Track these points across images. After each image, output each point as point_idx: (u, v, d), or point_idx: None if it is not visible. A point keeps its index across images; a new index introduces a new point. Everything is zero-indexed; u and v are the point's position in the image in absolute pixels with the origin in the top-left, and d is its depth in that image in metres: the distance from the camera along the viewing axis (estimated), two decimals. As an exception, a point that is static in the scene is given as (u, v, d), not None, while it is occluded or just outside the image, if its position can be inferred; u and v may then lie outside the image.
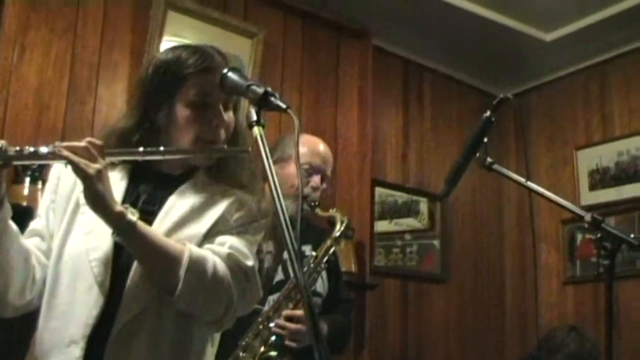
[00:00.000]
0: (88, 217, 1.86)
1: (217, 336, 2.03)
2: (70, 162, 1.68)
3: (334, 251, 3.31)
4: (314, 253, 3.26)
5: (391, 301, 5.13)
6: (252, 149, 1.95)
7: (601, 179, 5.32)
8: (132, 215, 1.74)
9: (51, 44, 3.84)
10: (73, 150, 1.69)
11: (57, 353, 1.81)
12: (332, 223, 3.39)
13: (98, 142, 1.75)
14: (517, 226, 5.87)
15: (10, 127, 3.64)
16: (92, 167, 1.68)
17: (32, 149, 1.69)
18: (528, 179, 2.40)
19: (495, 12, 5.08)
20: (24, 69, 3.74)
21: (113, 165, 1.91)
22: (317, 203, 3.30)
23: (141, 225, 1.76)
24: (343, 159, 4.81)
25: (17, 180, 3.48)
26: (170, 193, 1.96)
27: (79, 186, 1.84)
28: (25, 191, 3.42)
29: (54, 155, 1.69)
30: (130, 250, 1.81)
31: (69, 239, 1.90)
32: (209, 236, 1.91)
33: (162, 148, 1.89)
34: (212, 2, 4.42)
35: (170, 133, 1.98)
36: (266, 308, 3.06)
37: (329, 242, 3.27)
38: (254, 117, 1.67)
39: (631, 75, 5.29)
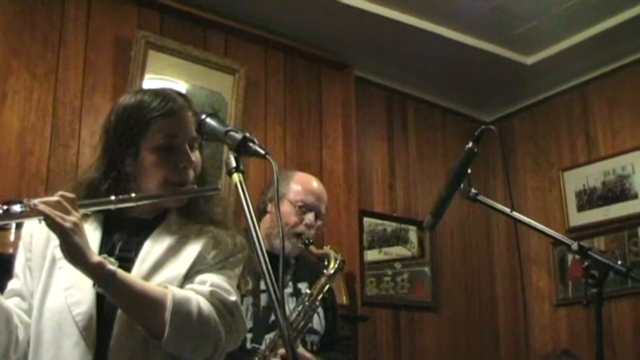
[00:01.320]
0: (66, 272, 1.84)
1: None
2: (46, 216, 1.65)
3: (329, 288, 3.31)
4: (308, 291, 3.26)
5: (383, 332, 5.10)
6: (222, 186, 2.00)
7: (588, 199, 5.32)
8: (112, 265, 1.72)
9: (32, 89, 3.84)
10: (46, 204, 1.67)
11: None
12: (325, 260, 3.39)
13: (70, 195, 1.73)
14: (507, 250, 5.87)
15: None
16: (68, 221, 1.67)
17: (5, 207, 1.67)
18: (512, 209, 2.41)
19: (475, 38, 5.11)
20: (6, 114, 3.73)
21: (85, 216, 1.88)
22: (311, 241, 3.31)
23: (122, 273, 1.74)
24: (330, 190, 4.76)
25: (2, 227, 3.45)
26: (145, 238, 1.95)
27: (53, 241, 1.83)
28: (12, 237, 3.40)
29: (29, 212, 1.67)
30: (112, 300, 1.78)
31: (48, 296, 1.88)
32: (188, 276, 1.90)
33: (133, 195, 1.87)
34: (192, 40, 4.44)
35: (139, 179, 1.97)
36: (263, 346, 3.05)
37: (323, 279, 3.27)
38: (233, 164, 1.67)
39: (613, 95, 5.32)
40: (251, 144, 1.69)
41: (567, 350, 4.18)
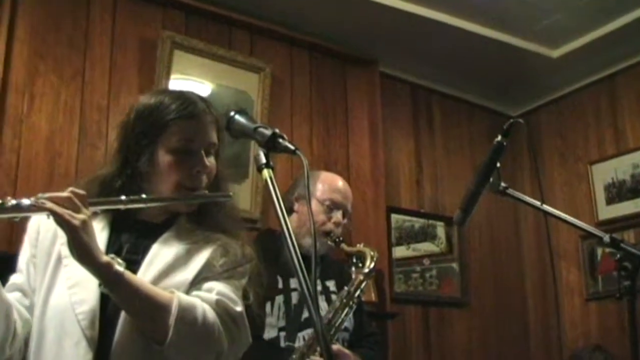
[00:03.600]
0: (71, 270, 1.83)
1: None
2: (54, 213, 1.64)
3: (366, 285, 3.33)
4: (340, 289, 3.28)
5: (413, 328, 5.09)
6: (233, 194, 1.98)
7: (618, 192, 5.27)
8: (119, 266, 1.71)
9: (60, 90, 3.87)
10: (56, 201, 1.66)
11: None
12: (354, 258, 3.40)
13: (81, 191, 1.72)
14: (536, 245, 5.83)
15: (23, 176, 3.65)
16: (77, 218, 1.65)
17: (14, 202, 1.65)
18: (543, 202, 2.38)
19: (500, 32, 5.08)
20: (34, 117, 3.76)
21: (94, 214, 1.85)
22: (341, 239, 3.34)
23: (129, 275, 1.73)
24: (357, 188, 4.80)
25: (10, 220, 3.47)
26: (153, 241, 1.94)
27: (60, 238, 1.83)
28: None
29: (37, 207, 1.65)
30: (117, 301, 1.77)
31: (52, 294, 1.86)
32: (195, 283, 1.89)
33: (144, 196, 1.86)
34: (217, 39, 4.45)
35: (152, 179, 1.97)
36: (297, 345, 3.07)
37: (361, 277, 3.28)
38: (263, 160, 1.67)
39: (641, 87, 5.27)
40: (281, 140, 1.69)
41: (600, 345, 4.14)
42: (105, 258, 1.69)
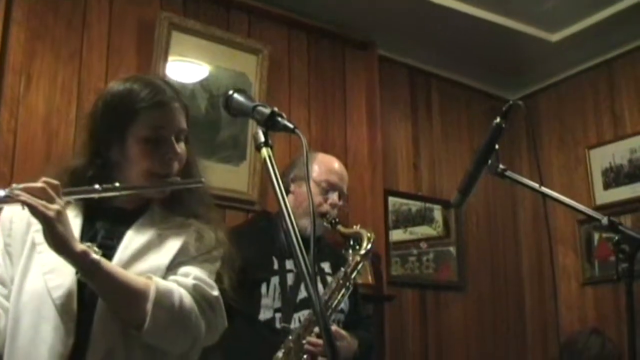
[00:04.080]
0: (46, 256, 1.84)
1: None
2: (28, 205, 1.64)
3: (363, 266, 3.33)
4: (331, 270, 3.27)
5: (410, 311, 5.10)
6: (205, 180, 2.01)
7: (615, 177, 5.27)
8: (96, 254, 1.72)
9: (57, 71, 3.85)
10: (30, 191, 1.66)
11: None
12: (352, 240, 3.39)
13: (54, 182, 1.72)
14: (533, 229, 5.84)
15: (20, 156, 3.64)
16: (51, 209, 1.66)
17: None
18: (541, 184, 2.38)
19: (499, 15, 5.05)
20: (31, 97, 3.75)
21: (67, 203, 1.86)
22: (337, 220, 3.33)
23: (105, 263, 1.74)
24: (354, 170, 4.79)
25: None
26: (127, 227, 1.95)
27: (34, 226, 1.84)
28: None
29: (12, 199, 1.65)
30: (95, 289, 1.77)
31: (26, 280, 1.87)
32: (171, 267, 1.90)
33: (118, 184, 1.88)
34: (215, 20, 4.43)
35: (124, 168, 1.98)
36: (292, 326, 3.08)
37: (357, 258, 3.28)
38: (262, 139, 1.66)
39: (639, 72, 5.25)
40: (280, 119, 1.68)
41: (597, 328, 4.14)
42: (81, 247, 1.70)
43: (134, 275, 1.81)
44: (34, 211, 1.65)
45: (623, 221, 4.97)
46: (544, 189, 2.37)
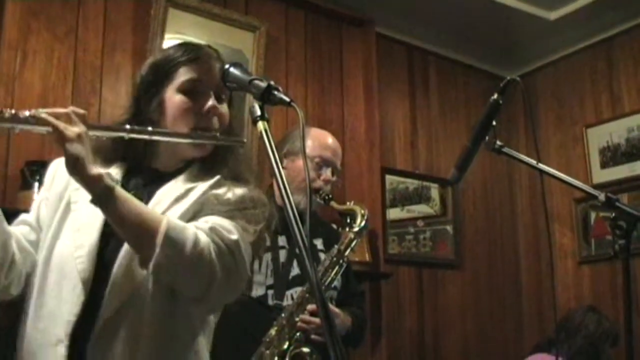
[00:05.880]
0: (78, 215, 1.86)
1: (211, 327, 1.99)
2: (49, 124, 1.63)
3: (356, 243, 3.31)
4: (323, 247, 3.26)
5: (406, 289, 5.11)
6: (247, 141, 1.95)
7: (612, 156, 5.27)
8: (112, 182, 1.70)
9: (53, 48, 3.83)
10: (55, 115, 1.65)
11: (44, 352, 1.78)
12: (350, 216, 3.37)
13: (81, 110, 1.70)
14: (530, 207, 5.84)
15: (17, 134, 3.61)
16: (71, 130, 1.63)
17: (12, 112, 1.64)
18: (539, 160, 2.38)
19: (497, -7, 5.04)
20: (27, 75, 3.73)
21: (109, 162, 1.91)
22: (330, 196, 3.30)
23: (119, 190, 1.70)
24: (351, 148, 4.79)
25: (26, 186, 3.47)
26: (159, 187, 1.93)
27: (72, 185, 1.83)
28: (35, 197, 3.41)
29: (35, 119, 1.64)
30: (107, 216, 1.74)
31: (59, 238, 1.88)
32: (194, 218, 1.86)
33: (150, 128, 1.85)
34: (212, -3, 4.40)
35: (162, 125, 1.95)
36: (285, 303, 3.06)
37: (351, 235, 3.26)
38: (258, 112, 1.65)
39: (638, 51, 5.24)
40: (276, 92, 1.65)
41: (593, 306, 4.16)
42: (97, 171, 1.67)
43: (149, 208, 1.79)
44: (55, 130, 1.63)
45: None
46: (541, 166, 2.37)
